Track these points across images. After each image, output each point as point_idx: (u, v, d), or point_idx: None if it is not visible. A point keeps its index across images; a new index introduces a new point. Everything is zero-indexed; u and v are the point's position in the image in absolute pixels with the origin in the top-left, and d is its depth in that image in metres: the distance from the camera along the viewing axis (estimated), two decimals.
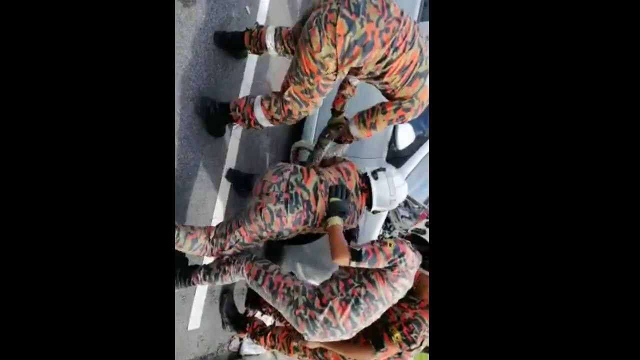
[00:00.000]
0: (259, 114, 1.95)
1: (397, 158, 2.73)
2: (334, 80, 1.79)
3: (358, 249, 1.62)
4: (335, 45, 1.61)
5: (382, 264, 1.65)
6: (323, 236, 2.05)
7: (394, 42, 1.62)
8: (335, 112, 2.16)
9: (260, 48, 2.09)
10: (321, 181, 1.80)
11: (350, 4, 1.59)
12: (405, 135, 2.57)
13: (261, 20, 2.60)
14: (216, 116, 2.05)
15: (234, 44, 2.17)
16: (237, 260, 1.88)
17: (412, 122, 2.16)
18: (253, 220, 1.75)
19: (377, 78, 1.75)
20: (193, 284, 1.97)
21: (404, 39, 1.63)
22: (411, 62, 1.68)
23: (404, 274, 1.71)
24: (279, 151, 2.98)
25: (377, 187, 1.89)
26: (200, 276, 1.95)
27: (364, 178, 1.93)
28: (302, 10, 3.17)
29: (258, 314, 2.62)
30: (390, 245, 1.67)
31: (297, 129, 3.04)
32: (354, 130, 2.04)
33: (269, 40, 2.03)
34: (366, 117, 1.96)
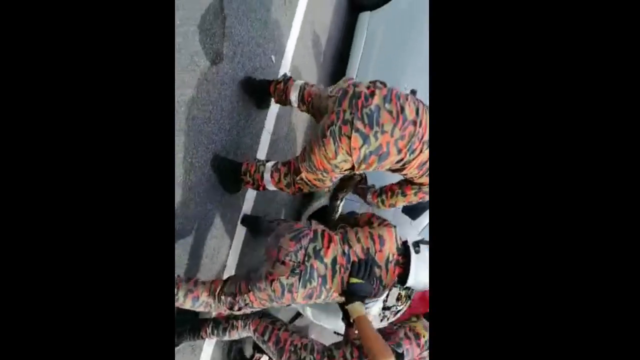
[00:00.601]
0: (269, 183, 1.97)
1: (413, 209, 2.72)
2: (348, 173, 1.79)
3: (400, 350, 1.58)
4: (351, 155, 1.60)
5: (415, 354, 1.64)
6: None
7: (410, 146, 1.58)
8: None
9: (285, 99, 2.11)
10: (343, 253, 1.60)
11: (364, 114, 1.55)
12: None
13: (286, 67, 2.63)
14: (228, 176, 2.08)
15: (260, 91, 2.22)
16: (244, 316, 1.89)
17: None
18: (263, 289, 1.61)
19: (396, 171, 1.76)
20: (202, 337, 2.00)
21: (420, 141, 1.58)
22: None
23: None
24: (296, 198, 2.99)
25: (417, 264, 1.63)
26: (209, 330, 1.97)
27: (403, 249, 1.69)
28: (326, 52, 3.20)
29: (265, 359, 2.62)
30: (423, 336, 1.65)
31: None
32: (373, 206, 2.07)
33: (293, 97, 2.06)
34: (385, 198, 1.98)
